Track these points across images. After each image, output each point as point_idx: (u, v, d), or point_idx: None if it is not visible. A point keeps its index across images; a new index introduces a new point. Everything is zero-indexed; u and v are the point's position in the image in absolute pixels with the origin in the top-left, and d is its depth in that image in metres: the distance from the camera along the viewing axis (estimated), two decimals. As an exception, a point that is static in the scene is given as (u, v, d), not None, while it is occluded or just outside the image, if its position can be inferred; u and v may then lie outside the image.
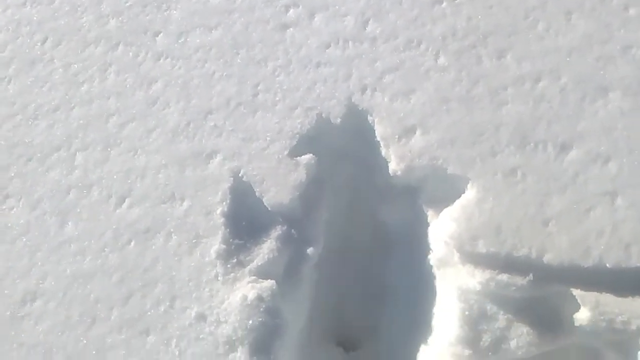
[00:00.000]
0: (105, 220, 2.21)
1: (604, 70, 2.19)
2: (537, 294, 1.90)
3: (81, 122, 2.44)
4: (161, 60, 2.52)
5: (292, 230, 2.14)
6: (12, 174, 2.38)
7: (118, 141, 2.36)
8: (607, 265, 1.87)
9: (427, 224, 2.18)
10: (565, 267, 1.89)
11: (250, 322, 1.95)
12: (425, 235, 2.18)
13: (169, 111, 2.39)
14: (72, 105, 2.49)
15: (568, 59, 2.23)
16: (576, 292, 1.87)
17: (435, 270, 2.13)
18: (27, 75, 2.61)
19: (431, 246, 2.15)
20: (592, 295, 1.86)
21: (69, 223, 2.24)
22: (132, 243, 2.15)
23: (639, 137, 2.05)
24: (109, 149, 2.35)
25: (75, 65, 2.59)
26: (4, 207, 2.32)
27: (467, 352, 1.92)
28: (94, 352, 2.01)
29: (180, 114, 2.37)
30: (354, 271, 2.54)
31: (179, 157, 2.28)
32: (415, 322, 2.19)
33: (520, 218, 1.97)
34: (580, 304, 1.85)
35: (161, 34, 2.59)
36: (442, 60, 2.30)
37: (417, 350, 2.12)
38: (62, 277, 2.15)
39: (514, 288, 1.89)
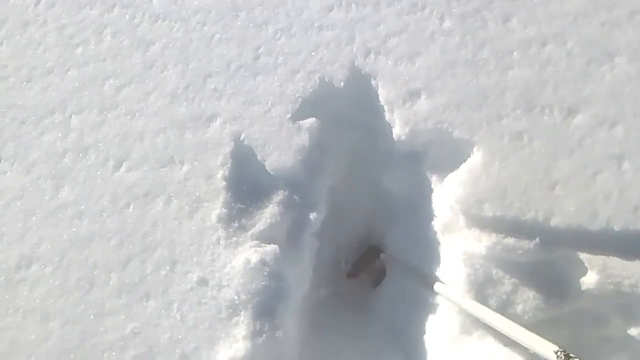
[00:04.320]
0: (103, 184, 2.16)
1: (610, 35, 2.17)
2: (543, 257, 1.88)
3: (76, 84, 2.38)
4: (159, 23, 2.46)
5: (295, 195, 2.11)
6: (6, 137, 2.32)
7: (115, 104, 2.31)
8: (615, 228, 1.85)
9: (431, 190, 2.15)
10: (573, 230, 1.87)
11: (254, 285, 1.92)
12: (430, 201, 2.16)
13: (168, 74, 2.33)
14: (67, 67, 2.43)
15: (574, 24, 2.20)
16: (583, 255, 1.85)
17: (439, 237, 2.11)
18: (20, 37, 2.54)
19: (435, 212, 2.12)
20: (599, 259, 1.84)
21: (65, 187, 2.18)
22: (131, 207, 2.11)
23: (645, 102, 2.03)
24: (105, 112, 2.30)
25: (70, 27, 2.52)
26: (-3, 170, 2.26)
27: (473, 317, 1.90)
28: (92, 317, 1.98)
29: (179, 76, 2.32)
30: (356, 239, 2.51)
31: (178, 120, 2.23)
32: (419, 288, 2.16)
33: (527, 182, 1.94)
34: (588, 267, 1.84)
35: (158, -4, 2.52)
36: (447, 23, 2.26)
37: (423, 318, 2.10)
38: (58, 242, 2.10)
39: (521, 252, 1.87)
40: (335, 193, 2.37)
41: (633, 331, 1.82)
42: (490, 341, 1.87)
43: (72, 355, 1.94)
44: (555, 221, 1.88)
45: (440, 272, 2.08)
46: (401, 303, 2.26)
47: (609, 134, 1.99)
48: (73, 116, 2.31)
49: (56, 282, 2.04)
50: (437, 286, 2.00)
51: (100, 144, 2.23)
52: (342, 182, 2.42)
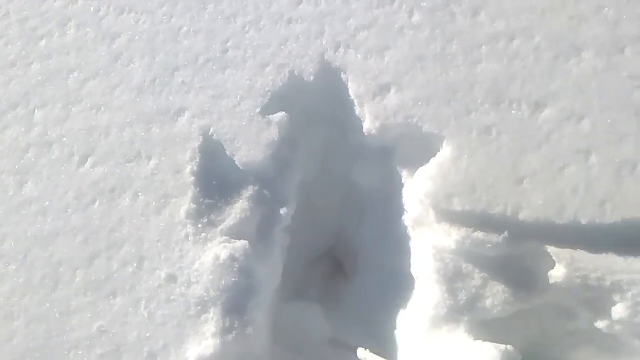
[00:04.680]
0: (68, 180, 2.12)
1: (577, 30, 2.17)
2: (512, 251, 1.90)
3: (40, 78, 2.33)
4: (124, 15, 2.41)
5: (265, 190, 2.09)
6: (-34, 132, 2.26)
7: (79, 98, 2.26)
8: (582, 222, 1.86)
9: (402, 185, 2.15)
10: (541, 224, 1.88)
11: (223, 282, 1.90)
12: (400, 196, 2.16)
13: (134, 67, 2.30)
14: (30, 61, 2.38)
15: (542, 18, 2.20)
16: (551, 249, 1.87)
17: (410, 231, 2.11)
18: (-20, 30, 2.47)
19: (406, 207, 2.13)
20: (567, 252, 1.85)
21: (29, 183, 2.14)
22: (97, 203, 2.07)
23: (611, 96, 2.03)
24: (70, 107, 2.25)
25: (33, 20, 2.47)
26: (-42, 166, 2.20)
27: (443, 311, 1.91)
28: (57, 316, 1.94)
29: (145, 70, 2.28)
30: (326, 234, 2.51)
31: (145, 114, 2.20)
32: (389, 283, 2.17)
33: (495, 176, 1.95)
34: (556, 261, 1.85)
35: (123, -12, 2.47)
36: (416, 17, 2.25)
37: (394, 313, 2.10)
38: (22, 239, 2.06)
39: (490, 246, 1.88)
40: (306, 188, 2.35)
41: (600, 324, 1.84)
42: (460, 335, 1.88)
43: (37, 355, 1.91)
44: (523, 215, 1.89)
45: (411, 268, 2.08)
46: (373, 297, 2.26)
47: (576, 129, 2.00)
48: (37, 110, 2.26)
49: (20, 280, 2.00)
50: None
51: (64, 139, 2.19)
52: (313, 177, 2.41)
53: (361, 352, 2.01)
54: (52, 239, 2.04)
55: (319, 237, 2.54)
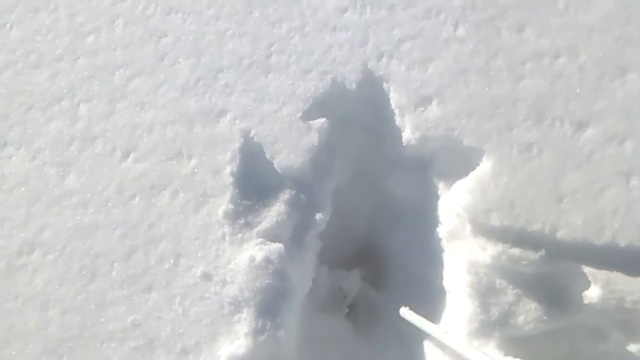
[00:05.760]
0: (109, 174, 2.16)
1: (623, 51, 2.16)
2: (548, 269, 1.89)
3: (86, 73, 2.37)
4: (172, 15, 2.45)
5: (301, 194, 2.11)
6: (12, 122, 2.31)
7: (124, 94, 2.30)
8: (620, 244, 1.85)
9: (437, 197, 2.15)
10: (578, 244, 1.87)
11: (258, 283, 1.92)
12: (435, 207, 2.16)
13: (179, 67, 2.33)
14: (77, 55, 2.42)
15: (588, 38, 2.20)
16: (587, 269, 1.86)
17: (444, 243, 2.11)
18: (30, 23, 2.53)
19: (440, 219, 2.13)
20: (603, 274, 1.84)
21: (71, 175, 2.18)
22: (137, 198, 2.10)
23: (655, 119, 2.03)
24: (114, 102, 2.29)
25: (82, 15, 2.51)
26: (2, 154, 2.26)
27: (474, 325, 1.91)
28: (93, 307, 1.97)
29: (190, 70, 2.31)
30: (354, 238, 2.51)
31: (188, 114, 2.22)
32: (420, 294, 2.17)
33: (535, 193, 1.94)
34: (591, 281, 1.84)
35: (172, -12, 2.51)
36: (461, 31, 2.25)
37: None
38: (62, 230, 2.09)
39: (526, 263, 1.88)
40: (339, 194, 2.36)
41: (632, 347, 1.83)
42: (490, 350, 1.88)
43: (70, 345, 1.93)
44: (561, 234, 1.89)
45: (444, 281, 2.08)
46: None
47: (618, 150, 1.99)
48: (81, 104, 2.30)
49: (58, 270, 2.03)
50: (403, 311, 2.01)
51: (108, 134, 2.22)
52: (347, 184, 2.42)
53: (404, 310, 2.01)
54: (92, 231, 2.07)
55: (346, 242, 2.55)
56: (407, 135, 2.12)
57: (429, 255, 2.18)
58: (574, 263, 1.88)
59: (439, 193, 2.15)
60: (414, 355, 2.08)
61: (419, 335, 2.03)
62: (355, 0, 2.37)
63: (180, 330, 1.91)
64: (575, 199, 1.93)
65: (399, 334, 2.21)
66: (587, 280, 1.85)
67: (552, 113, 2.07)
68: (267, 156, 2.12)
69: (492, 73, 2.16)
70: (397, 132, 2.18)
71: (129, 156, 2.18)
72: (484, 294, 1.92)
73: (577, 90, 2.10)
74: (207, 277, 1.96)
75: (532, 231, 1.90)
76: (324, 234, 2.23)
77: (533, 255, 1.87)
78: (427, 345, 2.03)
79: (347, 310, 2.46)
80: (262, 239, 2.00)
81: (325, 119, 2.19)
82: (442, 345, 1.94)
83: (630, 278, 1.84)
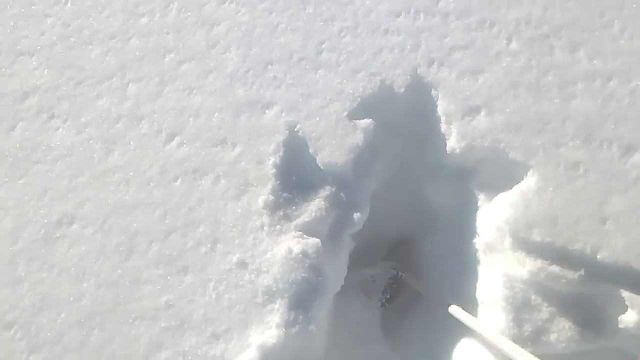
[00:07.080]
0: (154, 155, 2.17)
1: (676, 80, 2.16)
2: (585, 290, 1.88)
3: (137, 54, 2.39)
4: (226, 5, 2.46)
5: (342, 192, 2.11)
6: (61, 95, 2.33)
7: (174, 78, 2.32)
8: (661, 271, 1.84)
9: (477, 208, 2.14)
10: (619, 267, 1.87)
11: (293, 276, 1.92)
12: (473, 218, 2.15)
13: (229, 56, 2.34)
14: (130, 35, 2.44)
15: (640, 63, 2.19)
16: (626, 293, 1.85)
17: (480, 255, 2.10)
18: (86, -1, 2.55)
19: (478, 230, 2.12)
20: (641, 300, 1.83)
21: (116, 152, 2.19)
22: (179, 181, 2.11)
23: None
24: (163, 85, 2.30)
25: (138, -4, 2.53)
26: (49, 126, 2.27)
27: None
28: (127, 284, 1.98)
29: (240, 60, 2.32)
30: (387, 244, 2.51)
31: (235, 102, 2.23)
32: (454, 304, 2.15)
33: (579, 213, 1.94)
34: (629, 306, 1.83)
35: (228, -21, 2.53)
36: (514, 45, 2.25)
37: (456, 335, 2.09)
38: (102, 205, 2.11)
39: (564, 281, 1.86)
40: (375, 196, 2.36)
41: (664, 376, 1.82)
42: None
43: (102, 319, 1.94)
44: (602, 256, 1.88)
45: (478, 292, 2.07)
46: (436, 316, 2.25)
47: (666, 177, 1.98)
48: (131, 84, 2.32)
49: (95, 245, 2.05)
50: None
51: (155, 115, 2.24)
52: (384, 187, 2.41)
53: (454, 308, 2.02)
54: (132, 209, 2.08)
55: (379, 246, 2.54)
56: (452, 143, 2.12)
57: (463, 265, 2.18)
58: (612, 286, 1.87)
59: (478, 204, 2.14)
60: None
61: (449, 343, 2.03)
62: (409, 6, 2.37)
63: (213, 315, 1.91)
64: (619, 222, 1.92)
65: (427, 341, 2.20)
66: (624, 305, 1.84)
67: (600, 135, 2.07)
68: (311, 151, 2.13)
69: (543, 90, 2.16)
70: (441, 140, 2.17)
71: (174, 139, 2.19)
72: (519, 309, 1.91)
73: (628, 114, 2.10)
74: (242, 265, 1.96)
75: (573, 250, 1.89)
76: (355, 234, 2.23)
77: (572, 275, 1.86)
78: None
79: (383, 299, 2.46)
80: (300, 233, 2.00)
81: (371, 120, 2.19)
82: (489, 347, 1.93)
83: (669, 306, 1.83)
